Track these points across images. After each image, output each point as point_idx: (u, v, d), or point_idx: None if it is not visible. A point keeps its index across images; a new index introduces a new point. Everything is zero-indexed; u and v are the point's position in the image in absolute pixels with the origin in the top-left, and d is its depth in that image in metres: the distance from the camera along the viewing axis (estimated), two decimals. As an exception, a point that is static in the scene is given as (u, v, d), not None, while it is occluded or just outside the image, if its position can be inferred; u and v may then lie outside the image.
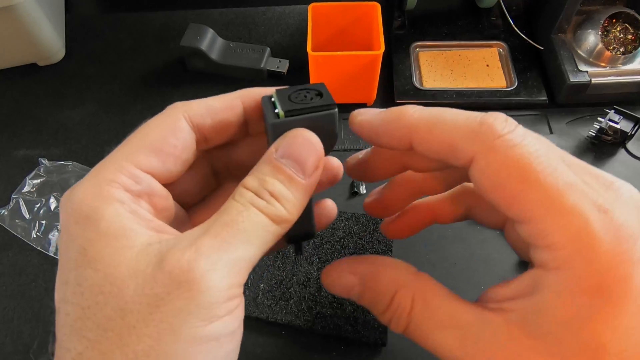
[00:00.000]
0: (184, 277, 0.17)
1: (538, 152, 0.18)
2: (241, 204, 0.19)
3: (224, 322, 0.17)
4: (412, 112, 0.21)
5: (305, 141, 0.20)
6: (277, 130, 0.20)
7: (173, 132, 0.20)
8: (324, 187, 0.24)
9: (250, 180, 0.19)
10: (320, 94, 0.21)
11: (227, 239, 0.18)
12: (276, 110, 0.20)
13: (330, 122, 0.21)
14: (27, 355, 0.36)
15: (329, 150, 0.22)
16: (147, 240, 0.18)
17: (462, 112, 0.20)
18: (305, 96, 0.21)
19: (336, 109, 0.21)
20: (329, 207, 0.25)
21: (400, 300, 0.21)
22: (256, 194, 0.19)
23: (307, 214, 0.22)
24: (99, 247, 0.18)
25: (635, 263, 0.17)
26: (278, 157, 0.19)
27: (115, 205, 0.18)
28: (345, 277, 0.22)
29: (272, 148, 0.20)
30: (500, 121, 0.19)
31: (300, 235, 0.23)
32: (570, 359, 0.18)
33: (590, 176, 0.19)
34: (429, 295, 0.21)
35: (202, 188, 0.25)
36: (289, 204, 0.19)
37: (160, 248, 0.17)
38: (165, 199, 0.21)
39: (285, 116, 0.20)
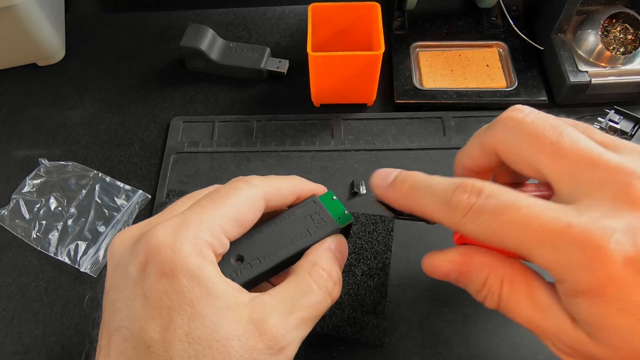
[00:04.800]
0: (278, 345, 0.22)
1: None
2: (318, 287, 0.25)
3: None
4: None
5: (344, 246, 0.28)
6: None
7: (254, 210, 0.25)
8: None
9: (321, 262, 0.26)
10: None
11: (304, 319, 0.24)
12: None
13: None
14: (27, 355, 0.36)
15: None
16: (237, 302, 0.22)
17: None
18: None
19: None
20: None
21: (491, 283, 0.24)
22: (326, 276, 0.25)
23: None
24: (205, 304, 0.21)
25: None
26: (334, 250, 0.27)
27: (213, 266, 0.23)
28: (442, 266, 0.26)
29: (332, 245, 0.27)
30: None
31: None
32: None
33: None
34: (515, 278, 0.24)
35: None
36: (337, 281, 0.26)
37: (252, 312, 0.22)
38: None
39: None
